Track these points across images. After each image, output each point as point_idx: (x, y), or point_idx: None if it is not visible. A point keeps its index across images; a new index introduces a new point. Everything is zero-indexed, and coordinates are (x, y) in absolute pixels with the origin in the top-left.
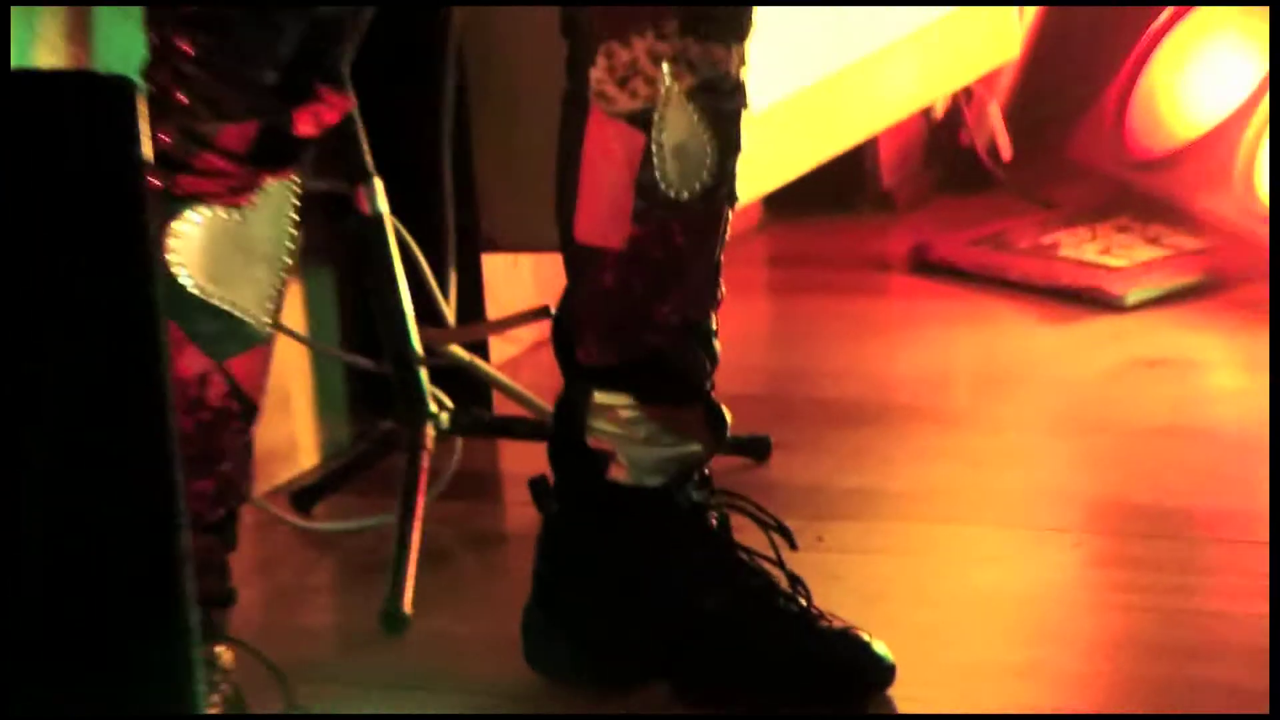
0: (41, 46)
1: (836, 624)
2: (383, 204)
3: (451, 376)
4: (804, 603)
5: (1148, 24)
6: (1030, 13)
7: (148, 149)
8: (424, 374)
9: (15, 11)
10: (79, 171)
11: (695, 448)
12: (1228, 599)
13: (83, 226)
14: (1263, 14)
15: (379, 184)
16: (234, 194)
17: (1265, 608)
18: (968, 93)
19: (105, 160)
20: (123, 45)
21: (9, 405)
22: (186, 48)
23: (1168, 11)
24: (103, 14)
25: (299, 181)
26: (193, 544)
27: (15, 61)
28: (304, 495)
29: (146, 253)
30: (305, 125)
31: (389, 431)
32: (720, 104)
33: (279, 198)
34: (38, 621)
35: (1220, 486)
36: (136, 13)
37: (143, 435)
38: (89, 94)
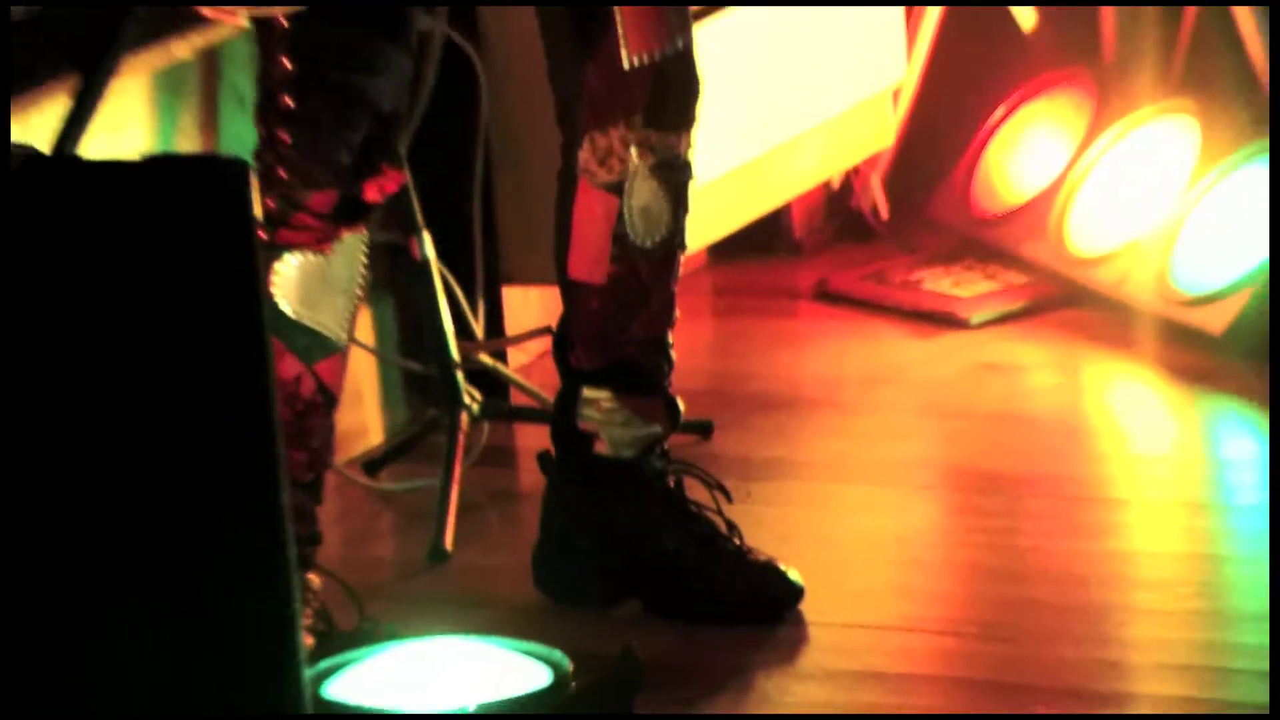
0: (181, 136)
1: (761, 557)
2: (429, 251)
3: (480, 377)
4: (737, 541)
5: (987, 118)
6: (901, 111)
7: (258, 211)
8: (460, 375)
9: (161, 107)
10: (209, 228)
11: (657, 428)
12: (1042, 538)
13: (211, 268)
14: (1074, 106)
15: (427, 236)
16: (319, 243)
17: (1068, 544)
18: (856, 169)
19: (228, 220)
20: (239, 135)
21: (164, 400)
22: (285, 137)
23: (1001, 109)
24: (226, 112)
25: (367, 234)
26: (290, 499)
27: (161, 147)
28: (372, 464)
29: (257, 287)
30: (372, 193)
31: (434, 417)
32: (674, 177)
33: (353, 246)
34: (187, 552)
35: (1039, 457)
36: (249, 111)
37: (254, 419)
38: (215, 171)
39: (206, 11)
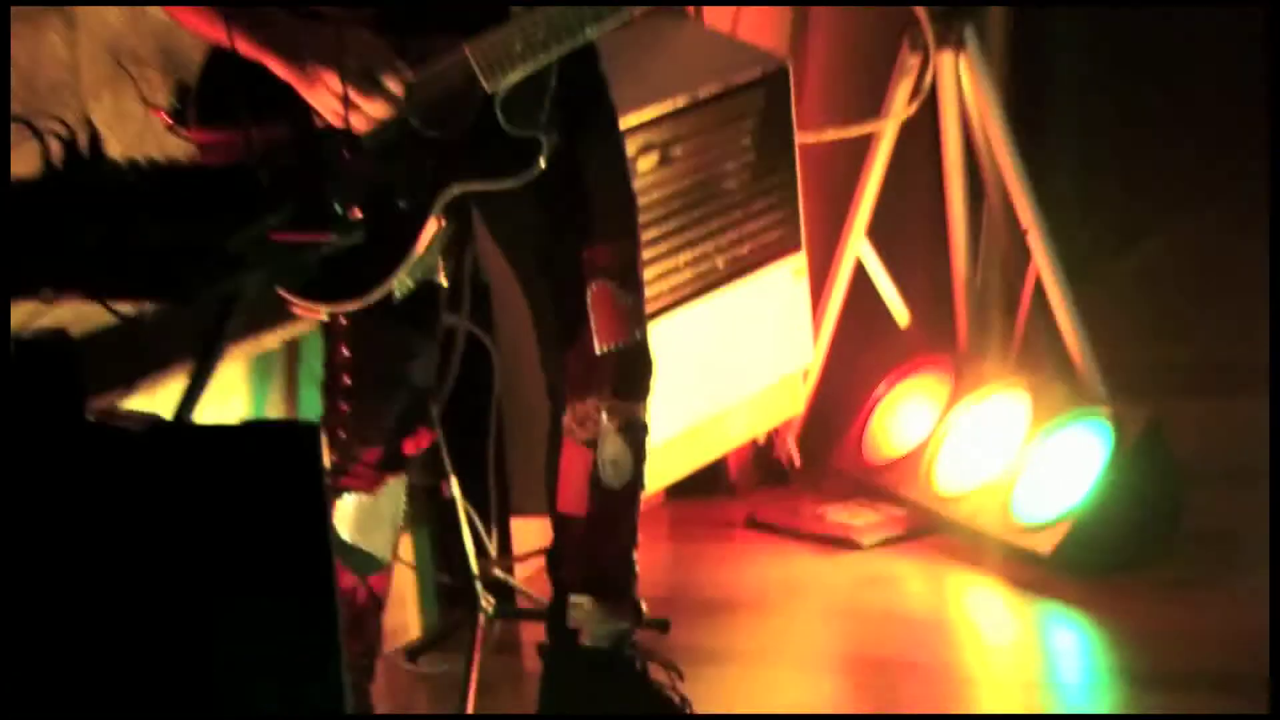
0: (269, 405)
1: None
2: (456, 490)
3: (494, 586)
4: (689, 710)
5: (873, 391)
6: (809, 386)
7: (326, 463)
8: (479, 585)
9: (255, 384)
10: (289, 476)
11: (626, 625)
12: (916, 708)
13: (291, 505)
14: (937, 383)
15: (455, 480)
16: (370, 487)
17: (936, 712)
18: (776, 430)
19: (303, 470)
20: (311, 405)
21: (258, 602)
22: (345, 407)
23: (883, 385)
24: (303, 387)
25: (407, 479)
26: (349, 677)
27: (255, 414)
28: (412, 651)
29: (325, 521)
30: (410, 449)
31: (459, 617)
32: (635, 435)
33: (396, 488)
34: (275, 712)
35: (913, 647)
36: (320, 386)
37: (321, 618)
38: (294, 434)
39: (297, 309)
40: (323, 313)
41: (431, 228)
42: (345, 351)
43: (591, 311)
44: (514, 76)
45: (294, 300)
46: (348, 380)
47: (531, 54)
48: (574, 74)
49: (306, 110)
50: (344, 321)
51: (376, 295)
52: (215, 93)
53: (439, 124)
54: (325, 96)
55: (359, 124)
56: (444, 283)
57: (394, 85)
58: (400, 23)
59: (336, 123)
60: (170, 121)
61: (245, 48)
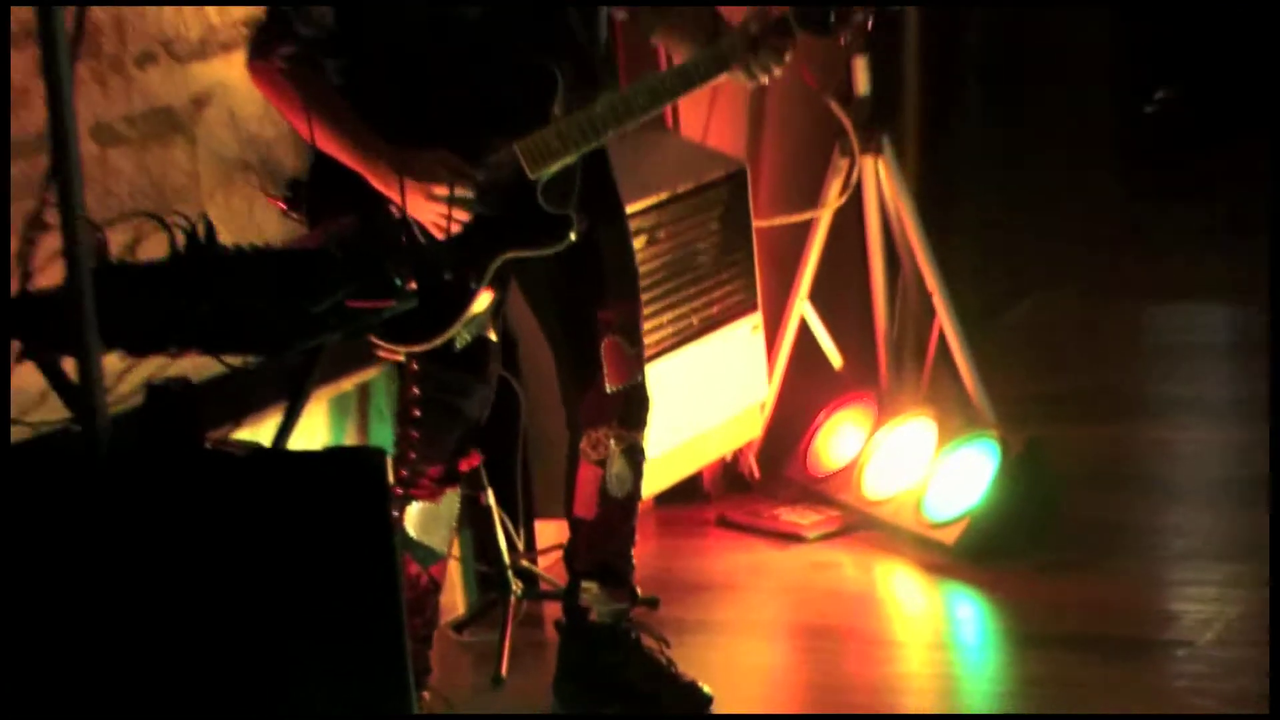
0: (346, 436)
1: (687, 677)
2: (492, 500)
3: (522, 573)
4: (673, 669)
5: (815, 419)
6: (765, 415)
7: (393, 478)
8: (510, 572)
9: (334, 419)
10: (361, 489)
11: (624, 605)
12: (853, 664)
13: (363, 513)
14: (864, 413)
15: (491, 492)
16: (432, 496)
17: (868, 668)
18: (739, 449)
19: (372, 485)
20: (379, 435)
21: (338, 589)
22: (414, 434)
23: (823, 414)
24: (373, 421)
25: (459, 490)
26: (411, 646)
27: (334, 442)
28: (458, 625)
29: (390, 525)
30: (463, 467)
31: (495, 597)
32: (635, 456)
33: (451, 498)
34: (350, 680)
35: (849, 616)
36: (387, 420)
37: (388, 600)
38: (365, 457)
39: (382, 352)
40: (401, 354)
41: (486, 296)
42: (415, 390)
43: (604, 359)
44: (553, 167)
45: (380, 344)
46: (416, 413)
47: (564, 149)
48: (591, 171)
49: (378, 202)
50: (414, 366)
51: (439, 341)
52: (318, 187)
53: (491, 204)
54: (421, 208)
55: (451, 228)
56: (494, 338)
57: (464, 191)
58: (466, 128)
59: (437, 229)
60: (285, 208)
61: (329, 148)
